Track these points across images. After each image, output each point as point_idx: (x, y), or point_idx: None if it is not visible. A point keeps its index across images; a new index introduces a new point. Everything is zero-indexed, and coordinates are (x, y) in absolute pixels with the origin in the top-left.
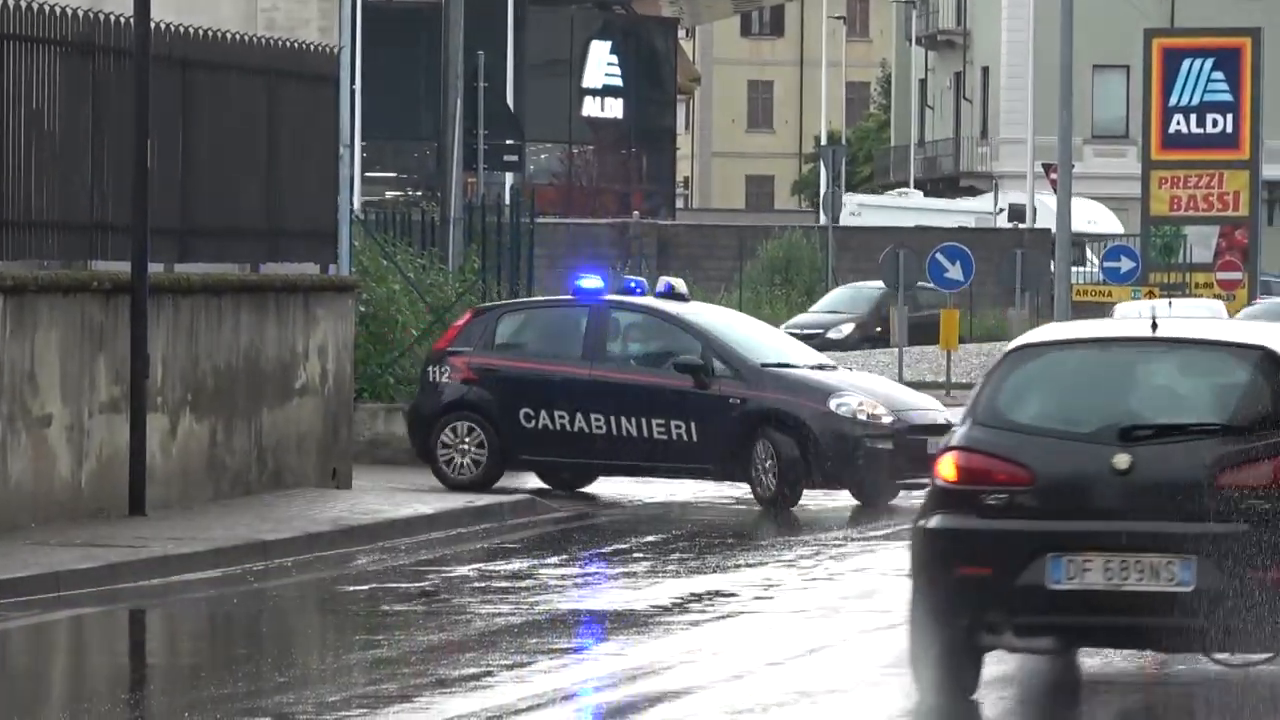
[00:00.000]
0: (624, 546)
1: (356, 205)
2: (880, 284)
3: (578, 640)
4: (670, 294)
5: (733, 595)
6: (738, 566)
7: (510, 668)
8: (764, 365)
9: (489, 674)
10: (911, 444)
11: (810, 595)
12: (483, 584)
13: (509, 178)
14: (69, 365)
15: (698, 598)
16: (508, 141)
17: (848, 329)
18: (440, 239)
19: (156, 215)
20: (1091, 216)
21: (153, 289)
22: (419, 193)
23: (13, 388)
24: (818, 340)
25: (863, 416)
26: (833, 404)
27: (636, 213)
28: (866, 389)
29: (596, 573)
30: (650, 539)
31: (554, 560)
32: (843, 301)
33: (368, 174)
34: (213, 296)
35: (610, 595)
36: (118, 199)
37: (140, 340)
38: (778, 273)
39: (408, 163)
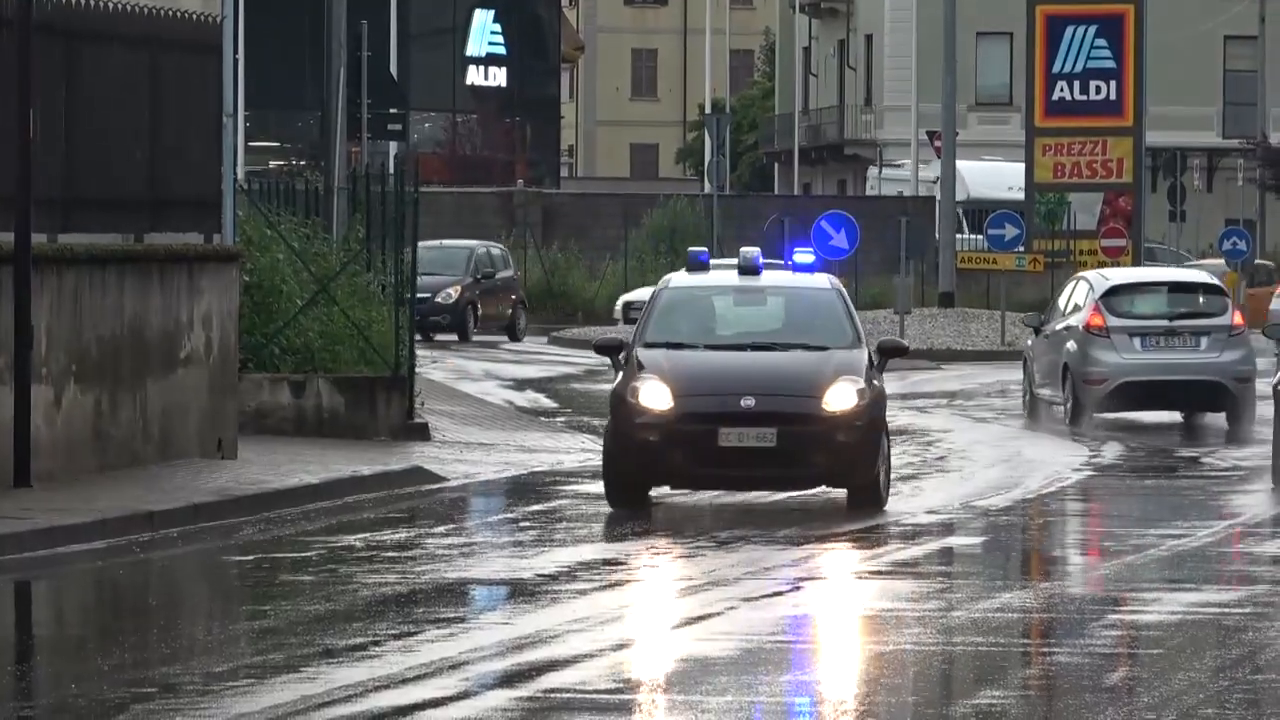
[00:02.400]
0: (512, 516)
1: (240, 175)
2: (469, 243)
3: (465, 610)
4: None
5: (619, 564)
6: (624, 536)
7: (398, 637)
8: None
9: (376, 644)
10: None
11: (697, 565)
12: (369, 554)
13: (393, 147)
14: None
15: (586, 566)
16: (391, 110)
17: (455, 292)
18: (324, 208)
19: (39, 185)
20: (1013, 183)
21: (35, 259)
22: (303, 162)
23: None
24: (427, 305)
25: None
26: None
27: (521, 181)
28: None
29: (483, 542)
30: (537, 508)
31: (440, 530)
32: (436, 263)
33: (251, 143)
34: (96, 267)
35: (497, 564)
36: (0, 168)
37: (24, 311)
38: (663, 241)
39: (291, 132)
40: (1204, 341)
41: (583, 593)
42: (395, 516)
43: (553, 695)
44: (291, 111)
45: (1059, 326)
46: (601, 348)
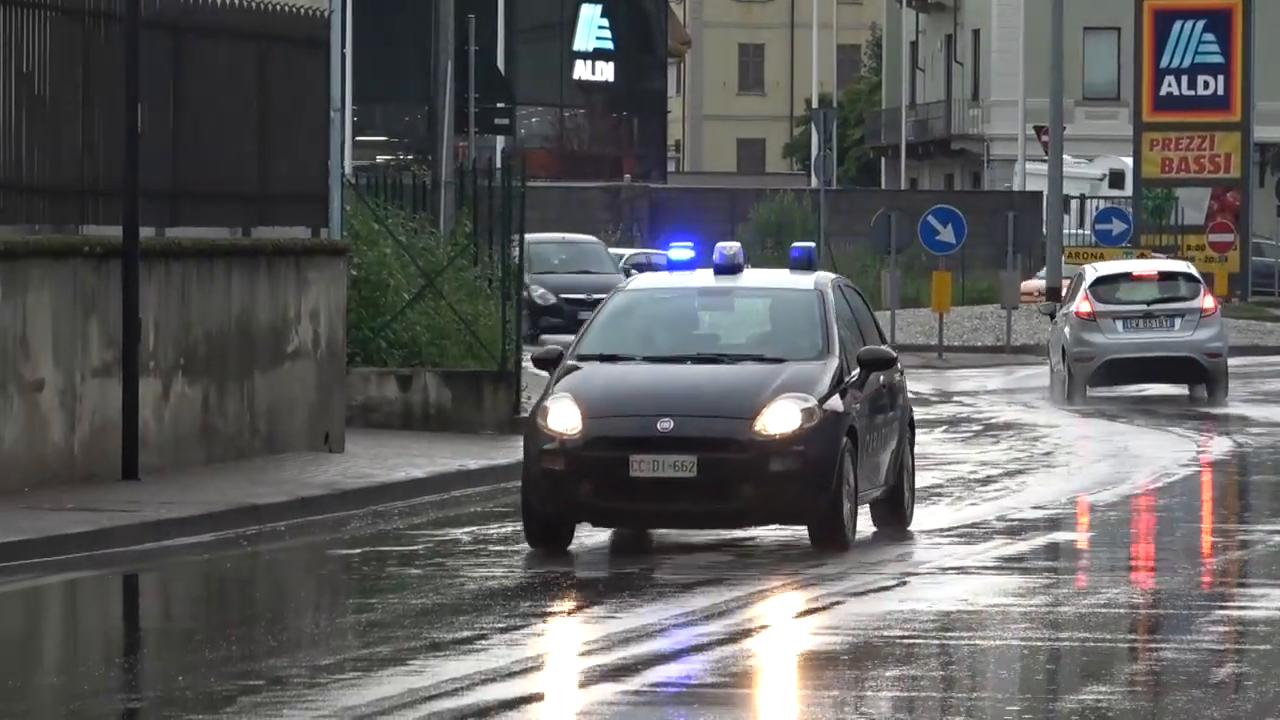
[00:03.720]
0: None
1: (347, 169)
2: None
3: (570, 604)
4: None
5: (727, 559)
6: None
7: (504, 631)
8: None
9: (483, 637)
10: None
11: (806, 559)
12: (475, 547)
13: (500, 141)
14: (61, 330)
15: (692, 560)
16: (498, 105)
17: None
18: (431, 203)
19: (148, 179)
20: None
21: (144, 253)
22: (410, 157)
23: (4, 352)
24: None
25: None
26: None
27: (628, 176)
28: None
29: (588, 535)
30: None
31: None
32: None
33: (358, 138)
34: (204, 261)
35: (601, 559)
36: (109, 163)
37: (132, 305)
38: (769, 235)
39: (398, 127)
40: (1178, 323)
41: (687, 587)
42: (501, 510)
43: (658, 689)
44: (398, 106)
45: (1061, 313)
46: (540, 361)
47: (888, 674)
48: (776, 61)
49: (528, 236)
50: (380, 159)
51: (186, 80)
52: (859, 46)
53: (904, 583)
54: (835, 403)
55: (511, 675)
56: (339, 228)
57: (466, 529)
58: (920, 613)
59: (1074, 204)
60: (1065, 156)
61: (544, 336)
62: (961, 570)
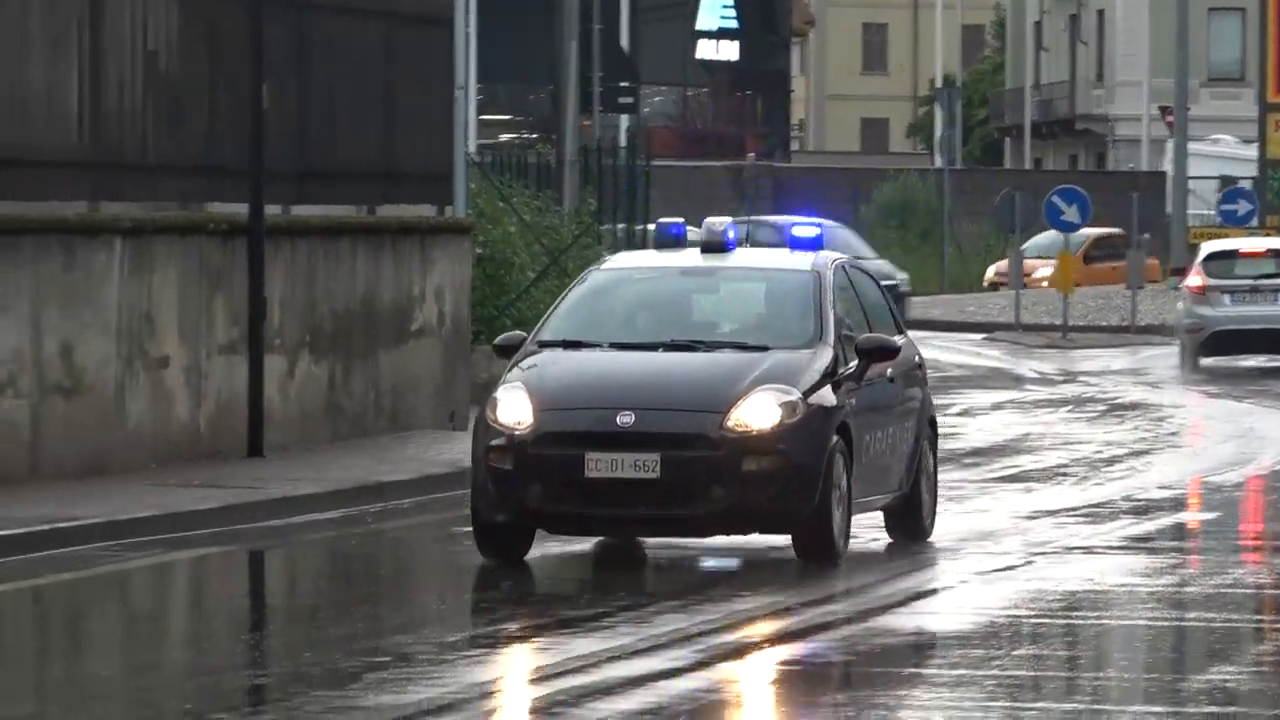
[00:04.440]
0: None
1: (472, 148)
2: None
3: (697, 582)
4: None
5: (853, 536)
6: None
7: (630, 609)
8: None
9: (609, 615)
10: None
11: (931, 537)
12: None
13: (624, 120)
14: (186, 307)
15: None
16: (622, 84)
17: None
18: (556, 181)
19: (273, 157)
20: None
21: (270, 231)
22: (534, 135)
23: (131, 329)
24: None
25: None
26: None
27: (751, 155)
28: None
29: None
30: None
31: None
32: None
33: (483, 117)
34: (330, 239)
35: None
36: (234, 141)
37: (258, 282)
38: (893, 215)
39: (523, 105)
40: None
41: (816, 567)
42: None
43: (784, 668)
44: (523, 85)
45: (1179, 287)
46: (502, 348)
47: (1015, 654)
48: (900, 41)
49: (753, 218)
50: (504, 137)
51: (312, 58)
52: (983, 26)
53: (1030, 562)
54: (824, 396)
55: (637, 653)
56: (464, 206)
57: None
58: (1046, 592)
59: (1210, 185)
60: (1225, 137)
61: None
62: (1088, 550)
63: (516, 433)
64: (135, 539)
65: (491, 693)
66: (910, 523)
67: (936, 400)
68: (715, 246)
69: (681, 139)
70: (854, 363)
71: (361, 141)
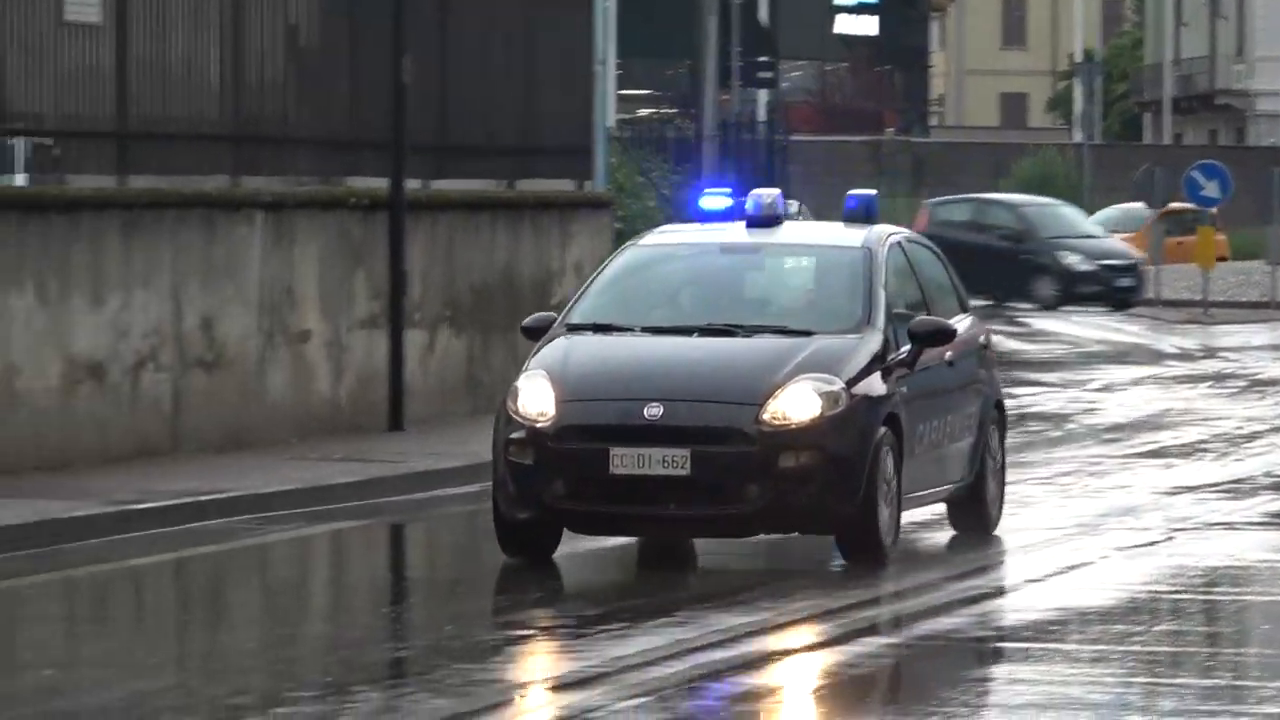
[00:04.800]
0: None
1: (611, 123)
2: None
3: (839, 558)
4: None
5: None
6: (1023, 480)
7: (770, 584)
8: None
9: (748, 589)
10: None
11: (1069, 513)
12: None
13: (763, 95)
14: (327, 281)
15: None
16: (761, 59)
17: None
18: (694, 156)
19: (414, 132)
20: None
21: (410, 205)
22: (673, 110)
23: (272, 303)
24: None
25: None
26: None
27: (890, 130)
28: None
29: None
30: None
31: None
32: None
33: (621, 92)
34: (470, 213)
35: None
36: (375, 115)
37: (398, 256)
38: (1033, 190)
39: (661, 80)
40: None
41: (956, 540)
42: None
43: (926, 642)
44: (661, 60)
45: None
46: (530, 330)
47: (1156, 629)
48: (1039, 16)
49: (981, 196)
50: (643, 113)
51: (453, 33)
52: (1122, 1)
53: (1170, 538)
54: (871, 385)
55: (778, 628)
56: (603, 181)
57: None
58: (1187, 568)
59: None
60: None
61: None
62: (1228, 526)
63: (538, 425)
64: (276, 512)
65: (632, 666)
66: (975, 515)
67: (1075, 376)
68: (762, 220)
69: (820, 114)
70: (906, 347)
71: (501, 116)
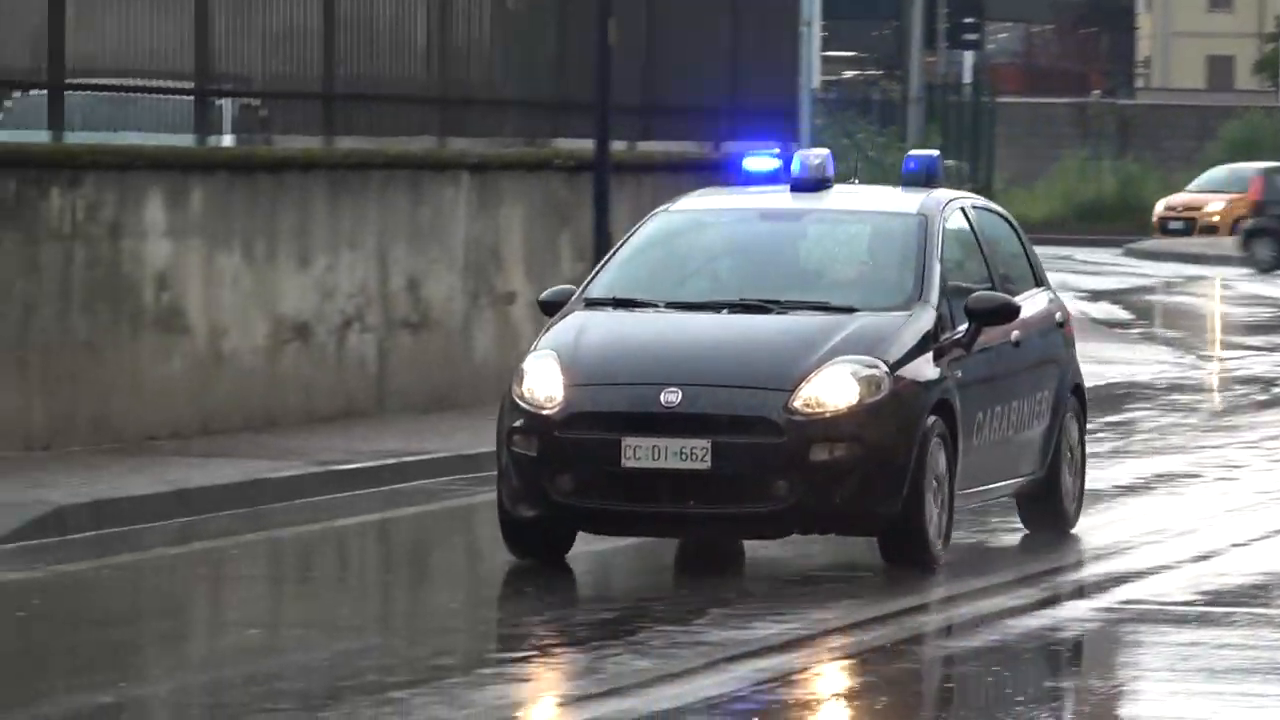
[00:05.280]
0: (1090, 426)
1: (816, 84)
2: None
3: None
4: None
5: (1195, 476)
6: (1200, 448)
7: (973, 544)
8: None
9: (951, 552)
10: None
11: (1275, 476)
12: None
13: (968, 57)
14: (532, 242)
15: (1163, 479)
16: (968, 20)
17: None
18: (900, 118)
19: (619, 93)
20: None
21: (615, 167)
22: (878, 72)
23: (478, 265)
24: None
25: None
26: None
27: (1096, 92)
28: None
29: None
30: (1112, 419)
31: None
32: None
33: (827, 53)
34: (674, 174)
35: None
36: (581, 77)
37: (603, 218)
38: (1239, 153)
39: (866, 42)
40: None
41: (1156, 505)
42: None
43: (1130, 606)
44: (867, 21)
45: None
46: (547, 304)
47: None
48: None
49: None
50: (848, 74)
51: None
52: None
53: None
54: (919, 368)
55: (984, 591)
56: (808, 142)
57: None
58: None
59: None
60: None
61: None
62: None
63: (544, 412)
64: (480, 474)
65: (832, 630)
66: (1049, 510)
67: None
68: (808, 184)
69: (1025, 75)
70: (963, 327)
71: (706, 77)
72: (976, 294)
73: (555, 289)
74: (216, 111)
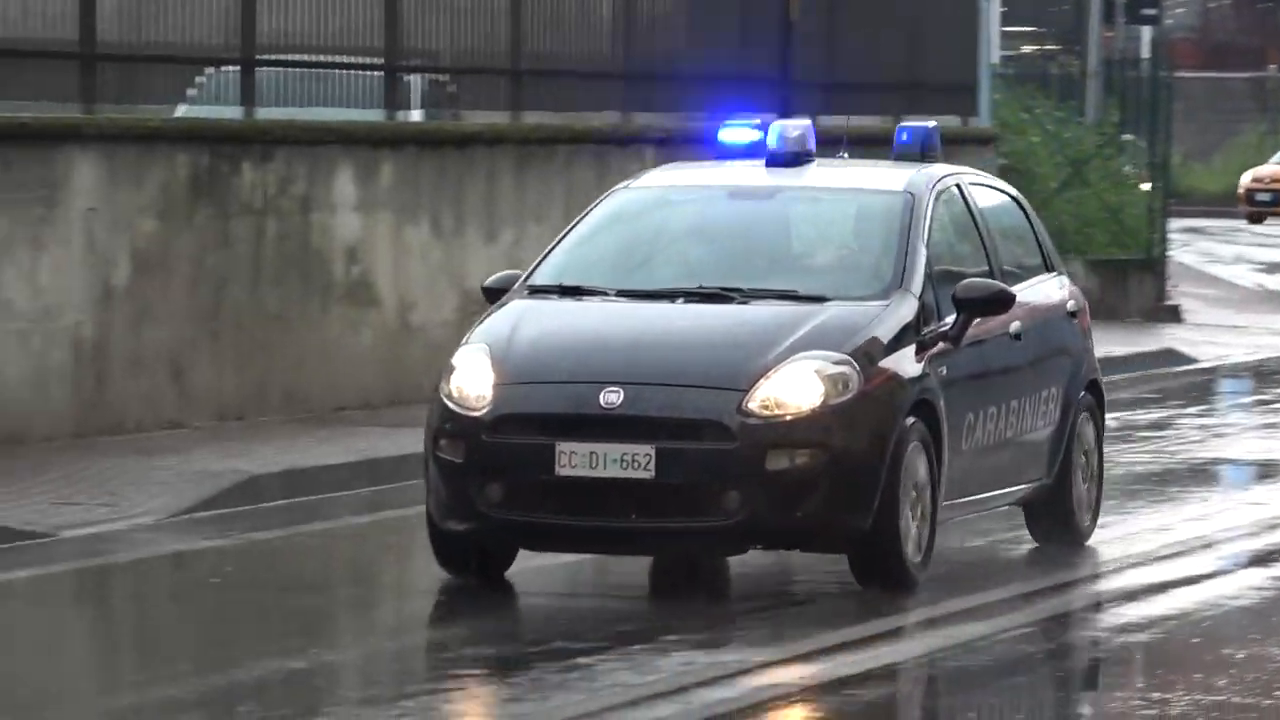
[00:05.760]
0: (1266, 398)
1: (995, 59)
2: None
3: (1217, 489)
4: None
5: None
6: None
7: (1153, 515)
8: None
9: (1130, 519)
10: None
11: None
12: (1123, 433)
13: (1146, 32)
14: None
15: None
16: None
17: None
18: (1078, 93)
19: (801, 68)
20: None
21: None
22: (1056, 47)
23: None
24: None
25: None
26: None
27: (1273, 67)
28: None
29: (1235, 423)
30: None
31: (1192, 410)
32: None
33: (1006, 28)
34: (855, 148)
35: (1249, 445)
36: (762, 53)
37: None
38: None
39: (1045, 16)
40: None
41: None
42: (1147, 397)
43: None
44: None
45: None
46: (490, 291)
47: None
48: None
49: None
50: (1026, 49)
51: None
52: None
53: None
54: (895, 364)
55: (1159, 559)
56: (987, 117)
57: (1114, 414)
58: None
59: None
60: None
61: None
62: None
63: (472, 413)
64: None
65: (1070, 583)
66: (1059, 523)
67: None
68: (785, 158)
69: (1202, 50)
70: (951, 318)
71: (887, 52)
72: (965, 281)
73: (501, 274)
74: (405, 87)
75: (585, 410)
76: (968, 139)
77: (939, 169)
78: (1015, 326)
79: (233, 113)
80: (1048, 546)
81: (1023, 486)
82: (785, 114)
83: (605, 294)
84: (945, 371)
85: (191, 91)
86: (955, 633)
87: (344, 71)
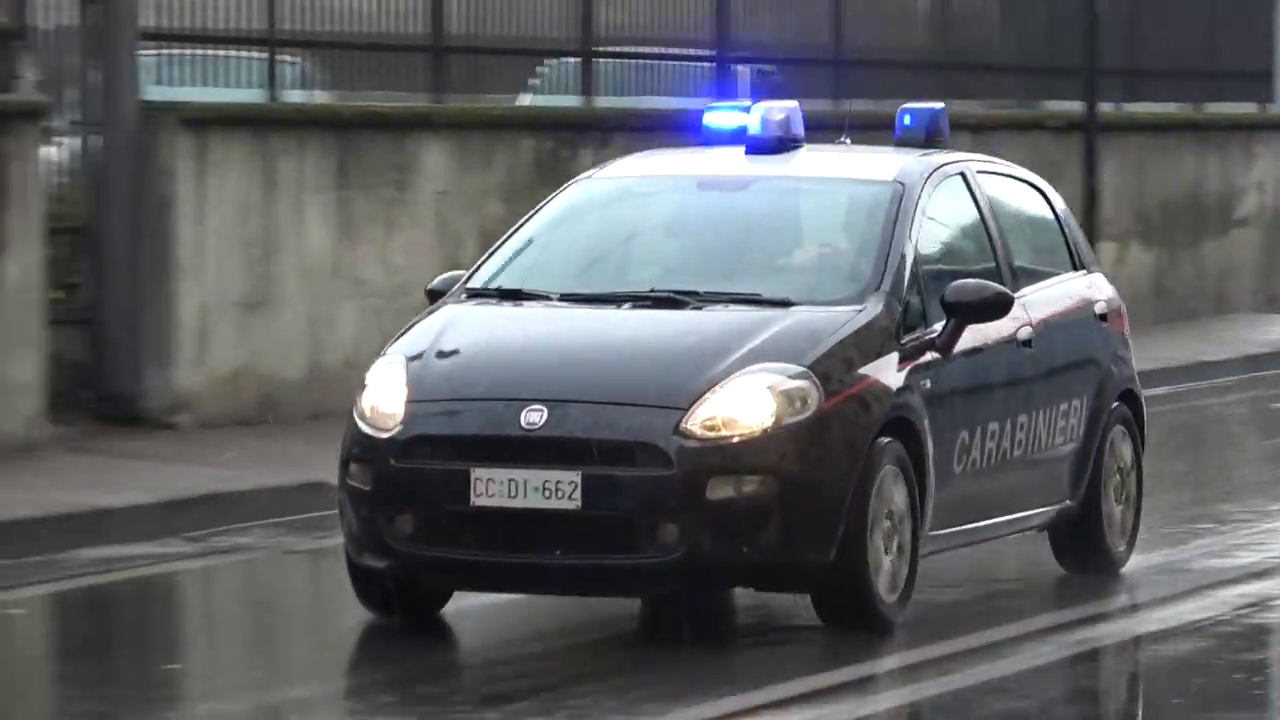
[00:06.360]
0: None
1: None
2: None
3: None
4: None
5: None
6: None
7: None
8: None
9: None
10: None
11: None
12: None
13: None
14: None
15: None
16: None
17: None
18: None
19: (1106, 57)
20: None
21: (1103, 127)
22: None
23: None
24: None
25: None
26: None
27: None
28: None
29: None
30: None
31: None
32: None
33: None
34: (1158, 134)
35: None
36: (1070, 42)
37: (1092, 174)
38: None
39: None
40: None
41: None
42: None
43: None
44: None
45: None
46: (433, 293)
47: None
48: None
49: None
50: None
51: None
52: None
53: None
54: (868, 376)
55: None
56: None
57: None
58: None
59: None
60: None
61: None
62: None
63: (382, 435)
64: None
65: (1102, 615)
66: (1088, 548)
67: None
68: (767, 145)
69: None
70: (939, 325)
71: (1187, 40)
72: (956, 283)
73: (445, 275)
74: (734, 77)
75: (504, 432)
76: (1266, 125)
77: (940, 156)
78: (1025, 332)
79: (572, 101)
80: (1080, 574)
81: (1039, 511)
82: (1091, 100)
83: (548, 298)
84: (930, 385)
85: (533, 81)
86: (972, 673)
87: (676, 62)
